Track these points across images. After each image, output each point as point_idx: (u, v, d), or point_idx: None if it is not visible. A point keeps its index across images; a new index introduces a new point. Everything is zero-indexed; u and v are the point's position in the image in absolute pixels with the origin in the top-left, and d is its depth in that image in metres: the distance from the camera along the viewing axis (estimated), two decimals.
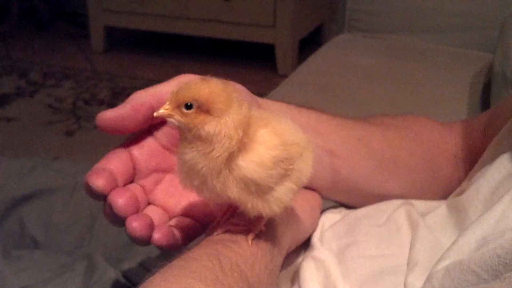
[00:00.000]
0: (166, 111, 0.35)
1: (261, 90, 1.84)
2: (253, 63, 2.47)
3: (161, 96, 0.43)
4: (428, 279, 0.40)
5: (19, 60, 2.57)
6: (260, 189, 0.36)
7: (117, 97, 2.21)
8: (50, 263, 0.59)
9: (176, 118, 0.34)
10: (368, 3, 1.41)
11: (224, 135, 0.33)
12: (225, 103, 0.34)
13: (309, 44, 2.46)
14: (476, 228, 0.41)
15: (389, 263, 0.47)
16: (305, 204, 0.52)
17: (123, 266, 0.58)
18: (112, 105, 2.15)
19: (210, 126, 0.33)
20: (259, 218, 0.39)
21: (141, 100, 0.43)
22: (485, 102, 1.05)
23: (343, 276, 0.47)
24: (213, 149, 0.34)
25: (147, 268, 0.58)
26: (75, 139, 1.90)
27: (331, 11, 2.58)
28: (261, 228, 0.40)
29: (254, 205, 0.37)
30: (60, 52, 2.67)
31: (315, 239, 0.52)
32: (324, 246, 0.51)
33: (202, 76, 0.37)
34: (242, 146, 0.34)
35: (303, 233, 0.51)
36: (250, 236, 0.40)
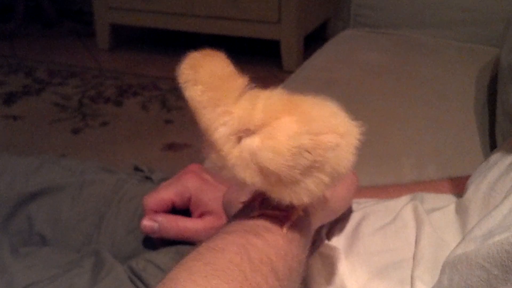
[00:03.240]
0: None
1: (266, 86, 1.84)
2: (259, 60, 2.47)
3: (165, 202, 0.62)
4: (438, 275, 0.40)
5: (25, 58, 2.58)
6: (281, 179, 0.33)
7: (123, 95, 2.21)
8: (58, 260, 0.59)
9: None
10: None
11: (201, 105, 0.34)
12: (188, 75, 0.35)
13: (315, 40, 2.45)
14: (483, 224, 0.41)
15: (395, 258, 0.47)
16: (340, 187, 0.49)
17: (131, 262, 0.58)
18: (118, 102, 2.16)
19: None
20: (293, 205, 0.37)
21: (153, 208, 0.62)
22: (492, 97, 1.05)
23: (350, 272, 0.47)
24: (199, 120, 0.34)
25: (155, 264, 0.58)
26: (81, 137, 1.90)
27: (336, 7, 2.57)
28: (299, 214, 0.38)
29: (280, 195, 0.34)
30: (66, 50, 2.67)
31: (323, 234, 0.52)
32: (331, 242, 0.51)
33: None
34: (253, 124, 0.33)
35: (333, 216, 0.50)
36: (287, 224, 0.37)
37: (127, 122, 1.99)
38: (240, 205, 0.42)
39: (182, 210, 0.63)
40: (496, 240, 0.35)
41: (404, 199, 0.55)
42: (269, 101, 0.34)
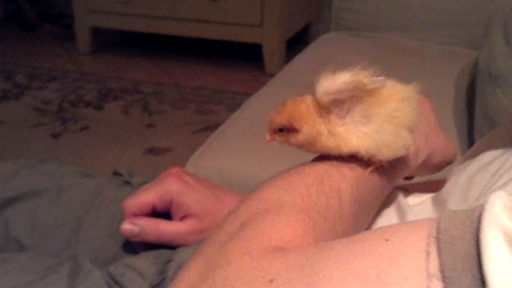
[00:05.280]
0: (268, 138, 0.46)
1: (249, 89, 1.84)
2: (241, 63, 2.47)
3: (145, 205, 0.61)
4: None
5: (5, 62, 2.55)
6: (336, 104, 0.43)
7: (104, 98, 2.19)
8: (35, 266, 0.58)
9: (278, 139, 0.45)
10: (354, 2, 1.42)
11: (314, 135, 0.43)
12: (300, 119, 0.43)
13: (297, 43, 2.46)
14: None
15: None
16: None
17: (110, 267, 0.57)
18: (99, 106, 2.14)
19: (299, 139, 0.44)
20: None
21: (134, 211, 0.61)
22: (471, 98, 1.06)
23: None
24: (314, 145, 0.44)
25: (134, 269, 0.57)
26: (61, 142, 1.88)
27: (318, 11, 2.59)
28: (383, 164, 0.45)
29: (367, 150, 0.43)
30: (46, 54, 2.64)
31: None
32: None
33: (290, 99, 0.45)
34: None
35: (427, 171, 0.54)
36: (370, 168, 0.45)
37: (108, 126, 1.98)
38: None
39: (163, 213, 0.62)
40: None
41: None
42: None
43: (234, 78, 2.35)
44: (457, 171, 0.53)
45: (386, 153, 0.43)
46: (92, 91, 2.25)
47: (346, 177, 0.44)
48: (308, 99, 0.44)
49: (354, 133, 0.43)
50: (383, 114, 0.42)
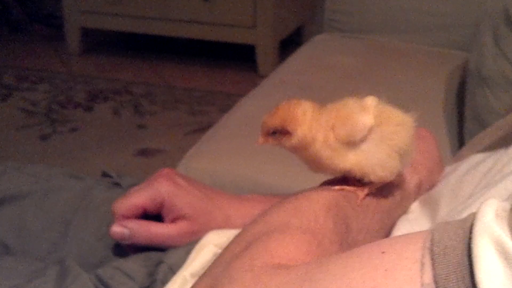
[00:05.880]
0: (261, 141, 0.46)
1: (241, 91, 1.83)
2: (234, 64, 2.47)
3: (136, 207, 0.60)
4: None
5: None
6: (351, 141, 0.43)
7: (94, 100, 2.18)
8: (21, 269, 0.57)
9: (271, 142, 0.45)
10: (346, 4, 1.42)
11: (308, 140, 0.44)
12: (294, 122, 0.43)
13: (290, 45, 2.46)
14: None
15: None
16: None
17: (98, 270, 0.57)
18: (88, 108, 2.12)
19: (292, 142, 0.44)
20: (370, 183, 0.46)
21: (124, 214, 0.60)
22: (461, 100, 1.07)
23: None
24: (307, 150, 0.44)
25: (123, 272, 0.57)
26: (50, 144, 1.86)
27: (311, 12, 2.59)
28: (372, 190, 0.46)
29: (360, 169, 0.44)
30: (34, 54, 2.62)
31: None
32: None
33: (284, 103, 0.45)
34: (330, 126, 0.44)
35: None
36: (361, 195, 0.45)
37: (98, 128, 1.96)
38: None
39: (154, 215, 0.62)
40: None
41: None
42: (334, 107, 0.45)
43: (227, 79, 2.35)
44: (448, 172, 0.54)
45: (380, 173, 0.44)
46: (81, 92, 2.23)
47: (353, 205, 0.45)
48: (307, 104, 0.44)
49: (352, 150, 0.43)
50: (380, 134, 0.44)
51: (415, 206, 0.52)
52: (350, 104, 0.45)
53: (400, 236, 0.34)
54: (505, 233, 0.27)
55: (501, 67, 0.90)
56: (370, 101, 0.45)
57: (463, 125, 1.00)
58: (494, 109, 0.91)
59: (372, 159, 0.44)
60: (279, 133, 0.44)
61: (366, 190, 0.46)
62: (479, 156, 0.51)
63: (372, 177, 0.44)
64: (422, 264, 0.29)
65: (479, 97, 0.95)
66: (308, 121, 0.44)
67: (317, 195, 0.44)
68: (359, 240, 0.44)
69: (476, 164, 0.50)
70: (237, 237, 0.41)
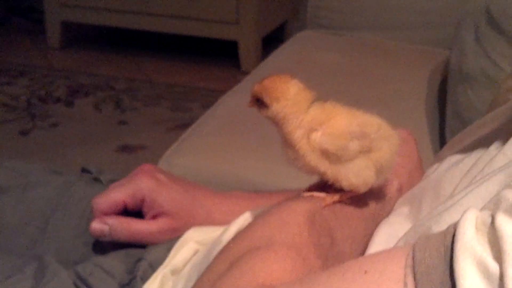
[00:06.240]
0: (249, 104, 0.46)
1: (224, 87, 1.83)
2: (217, 60, 2.45)
3: (116, 203, 0.59)
4: None
5: None
6: (337, 159, 0.43)
7: (75, 95, 2.15)
8: None
9: (255, 108, 0.45)
10: (329, 1, 1.42)
11: (283, 117, 0.43)
12: (272, 96, 0.43)
13: (273, 41, 2.46)
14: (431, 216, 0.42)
15: None
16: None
17: (78, 267, 0.56)
18: (69, 103, 2.09)
19: (268, 114, 0.44)
20: (345, 191, 0.45)
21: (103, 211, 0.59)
22: (442, 97, 1.08)
23: None
24: (280, 127, 0.44)
25: (102, 268, 0.56)
26: (30, 139, 1.83)
27: (294, 9, 2.59)
28: (342, 199, 0.46)
29: (333, 174, 0.43)
30: (14, 48, 2.58)
31: None
32: None
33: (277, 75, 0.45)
34: (318, 124, 0.43)
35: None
36: (328, 201, 0.45)
37: (78, 123, 1.94)
38: None
39: (134, 212, 0.61)
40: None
41: None
42: (330, 107, 0.44)
43: (209, 75, 2.34)
44: (429, 171, 0.54)
45: (353, 181, 0.43)
46: (62, 87, 2.20)
47: (337, 215, 0.44)
48: (296, 84, 0.44)
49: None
50: (361, 145, 0.43)
51: (396, 206, 0.52)
52: (346, 121, 0.43)
53: (381, 253, 0.34)
54: (487, 252, 0.27)
55: (482, 65, 0.91)
56: (370, 129, 0.43)
57: (445, 122, 1.01)
58: (475, 106, 0.91)
59: (348, 165, 0.43)
60: (260, 102, 0.44)
61: (335, 197, 0.45)
62: (459, 155, 0.51)
63: (345, 184, 0.44)
64: (405, 284, 0.28)
65: (461, 94, 0.96)
66: (289, 100, 0.43)
67: (301, 207, 0.43)
68: (345, 250, 0.44)
69: (456, 162, 0.50)
70: (221, 254, 0.40)
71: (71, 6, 2.44)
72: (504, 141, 0.45)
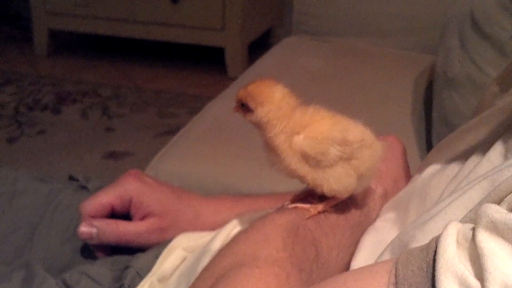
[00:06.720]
0: (234, 109, 0.45)
1: (210, 93, 1.83)
2: (203, 67, 2.46)
3: (103, 206, 0.59)
4: None
5: None
6: (317, 164, 0.43)
7: (62, 102, 2.13)
8: None
9: (240, 113, 0.45)
10: (315, 7, 1.43)
11: (267, 121, 0.43)
12: (256, 100, 0.43)
13: (259, 47, 2.46)
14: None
15: None
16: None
17: (65, 275, 0.55)
18: (56, 110, 2.08)
19: (252, 119, 0.44)
20: (327, 199, 0.45)
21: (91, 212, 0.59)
22: (428, 102, 1.08)
23: None
24: (264, 132, 0.44)
25: (90, 276, 0.55)
26: (17, 146, 1.82)
27: (279, 15, 2.60)
28: (326, 208, 0.45)
29: (315, 181, 0.43)
30: (1, 56, 2.56)
31: None
32: None
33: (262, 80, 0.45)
34: (301, 127, 0.43)
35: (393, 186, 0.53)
36: (313, 212, 0.45)
37: (65, 131, 1.92)
38: None
39: (122, 215, 0.61)
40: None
41: None
42: (314, 112, 0.44)
43: (196, 81, 2.33)
44: (416, 176, 0.54)
45: (334, 186, 0.43)
46: (49, 94, 2.19)
47: (321, 225, 0.44)
48: (281, 89, 0.44)
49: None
50: (343, 151, 0.43)
51: (382, 212, 0.52)
52: (328, 126, 0.43)
53: (363, 269, 0.34)
54: (468, 270, 0.27)
55: (467, 70, 0.92)
56: (352, 136, 0.43)
57: (431, 127, 1.02)
58: (461, 111, 0.92)
59: (328, 171, 0.43)
60: (245, 106, 0.44)
61: (320, 208, 0.45)
62: (444, 160, 0.51)
63: (326, 190, 0.44)
64: None
65: (446, 99, 0.96)
66: (273, 105, 0.43)
67: (284, 220, 0.43)
68: (331, 260, 0.44)
69: (442, 168, 0.50)
70: (205, 271, 0.40)
71: (58, 14, 2.43)
72: (489, 146, 0.44)
